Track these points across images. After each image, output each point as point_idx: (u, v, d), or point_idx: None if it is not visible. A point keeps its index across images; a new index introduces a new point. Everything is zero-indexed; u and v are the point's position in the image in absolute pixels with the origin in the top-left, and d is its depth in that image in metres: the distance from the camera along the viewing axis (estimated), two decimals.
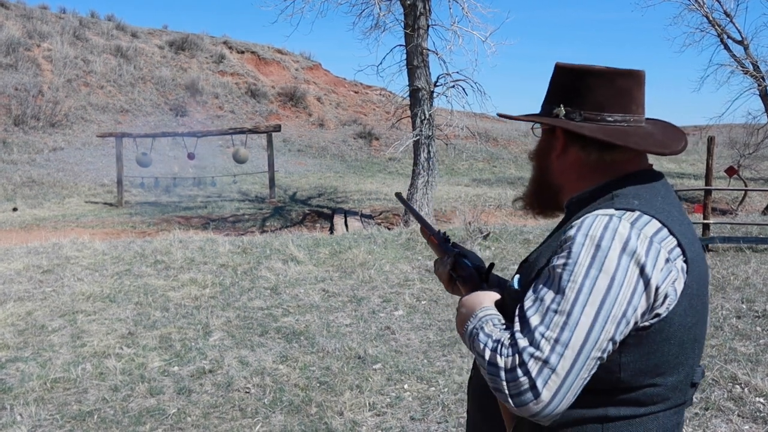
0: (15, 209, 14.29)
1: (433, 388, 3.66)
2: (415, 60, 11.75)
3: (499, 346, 1.02)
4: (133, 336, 4.62)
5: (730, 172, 12.72)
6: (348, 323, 4.92)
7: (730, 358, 3.96)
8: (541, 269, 1.09)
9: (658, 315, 1.03)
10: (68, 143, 20.26)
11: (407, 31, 11.78)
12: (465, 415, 3.29)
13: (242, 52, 31.17)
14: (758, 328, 4.56)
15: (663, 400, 1.08)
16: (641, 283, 1.00)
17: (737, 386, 3.54)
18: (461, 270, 1.36)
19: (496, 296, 1.20)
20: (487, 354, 1.04)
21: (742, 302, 5.19)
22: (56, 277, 6.36)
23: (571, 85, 1.17)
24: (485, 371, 1.04)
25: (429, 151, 12.02)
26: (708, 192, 8.33)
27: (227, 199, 16.94)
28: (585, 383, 1.00)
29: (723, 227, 9.08)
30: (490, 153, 25.19)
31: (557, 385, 0.97)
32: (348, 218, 13.14)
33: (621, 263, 0.99)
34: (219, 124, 23.74)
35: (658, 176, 1.17)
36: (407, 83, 12.09)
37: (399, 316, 5.09)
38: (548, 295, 1.02)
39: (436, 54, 12.01)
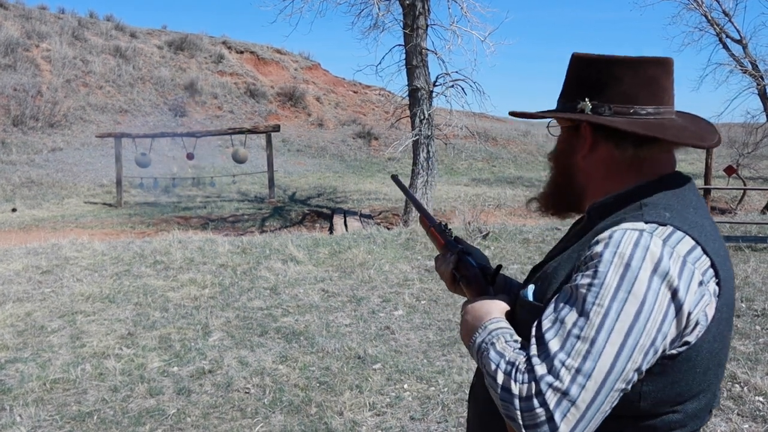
0: (14, 210, 14.28)
1: (433, 388, 3.66)
2: (414, 60, 11.75)
3: (514, 370, 0.95)
4: (132, 336, 4.62)
5: (729, 171, 12.74)
6: (347, 323, 4.92)
7: (729, 357, 3.96)
8: (561, 284, 1.02)
9: (687, 343, 0.95)
10: (67, 144, 20.24)
11: (406, 31, 11.78)
12: (465, 414, 3.29)
13: (241, 52, 31.16)
14: (757, 327, 4.57)
15: (680, 427, 1.01)
16: (672, 308, 0.92)
17: (737, 385, 3.55)
18: (465, 269, 1.27)
19: (506, 306, 1.13)
20: (500, 378, 0.96)
21: (742, 301, 5.20)
22: (55, 277, 6.36)
23: (596, 77, 1.07)
24: (496, 395, 0.96)
25: (428, 151, 12.02)
26: (707, 191, 8.34)
27: (226, 199, 16.93)
28: (606, 415, 0.93)
29: (722, 226, 9.09)
30: (489, 153, 25.19)
31: (576, 419, 0.90)
32: (347, 218, 13.14)
33: (652, 286, 0.91)
34: (218, 124, 23.74)
35: (687, 180, 1.08)
36: (406, 83, 12.09)
37: (399, 315, 5.09)
38: (570, 317, 0.93)
39: (435, 54, 12.01)
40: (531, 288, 1.08)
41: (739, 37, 16.75)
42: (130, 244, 8.03)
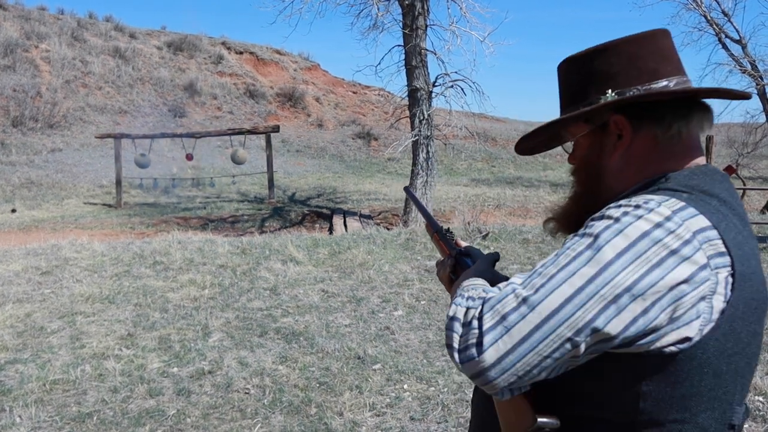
0: (13, 210, 14.27)
1: (433, 388, 3.66)
2: (413, 60, 11.75)
3: (465, 300, 0.89)
4: (132, 337, 4.62)
5: (729, 171, 12.72)
6: (347, 323, 4.92)
7: None
8: None
9: (687, 339, 0.83)
10: (67, 144, 20.24)
11: (405, 32, 11.79)
12: (465, 414, 3.29)
13: (241, 53, 31.17)
14: None
15: None
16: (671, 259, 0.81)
17: None
18: (462, 271, 1.22)
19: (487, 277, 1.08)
20: (452, 309, 0.89)
21: None
22: (55, 278, 6.36)
23: (606, 67, 0.98)
24: (445, 329, 0.90)
25: (428, 151, 12.03)
26: None
27: (226, 199, 16.93)
28: (547, 369, 0.83)
29: None
30: (488, 153, 25.19)
31: (506, 349, 0.81)
32: (347, 218, 13.14)
33: (646, 235, 0.82)
34: (218, 124, 23.74)
35: (723, 176, 0.97)
36: (406, 83, 12.10)
37: (398, 316, 5.09)
38: (541, 261, 0.88)
39: (435, 54, 12.02)
40: None
41: (738, 37, 16.77)
42: (129, 245, 8.03)
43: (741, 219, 0.92)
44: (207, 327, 4.83)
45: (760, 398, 3.37)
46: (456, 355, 0.85)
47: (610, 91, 0.97)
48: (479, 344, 0.82)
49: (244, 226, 13.44)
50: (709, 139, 8.12)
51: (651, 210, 0.84)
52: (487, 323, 0.83)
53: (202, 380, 3.83)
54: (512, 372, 0.82)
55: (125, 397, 3.61)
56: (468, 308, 0.87)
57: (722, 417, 0.90)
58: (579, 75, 1.02)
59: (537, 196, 17.40)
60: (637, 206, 0.85)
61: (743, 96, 0.98)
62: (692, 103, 0.96)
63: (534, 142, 1.13)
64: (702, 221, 0.85)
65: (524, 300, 0.82)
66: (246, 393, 3.64)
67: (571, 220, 1.07)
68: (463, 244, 1.33)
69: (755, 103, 17.16)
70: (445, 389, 3.63)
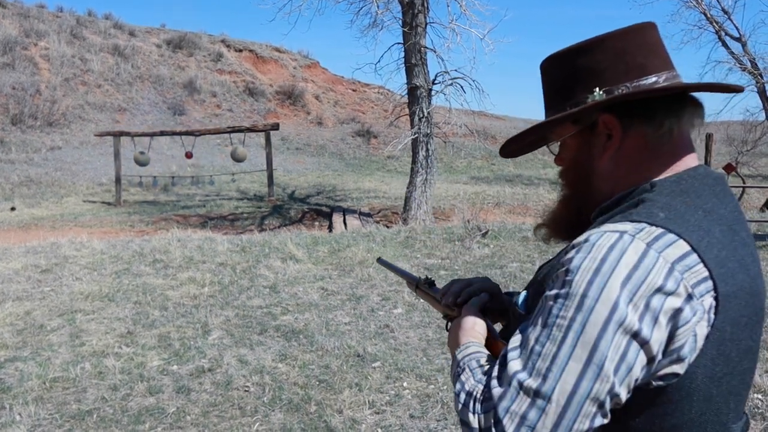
0: (13, 209, 14.26)
1: (432, 386, 3.66)
2: (413, 58, 11.74)
3: (472, 401, 0.85)
4: (132, 335, 4.62)
5: (729, 169, 12.74)
6: (347, 321, 4.92)
7: None
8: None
9: (676, 375, 0.82)
10: (66, 142, 20.22)
11: (405, 29, 11.78)
12: None
13: (240, 51, 31.14)
14: None
15: None
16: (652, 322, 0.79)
17: None
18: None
19: (483, 325, 1.03)
20: (459, 408, 0.87)
21: None
22: (55, 276, 6.36)
23: (592, 63, 0.93)
24: (460, 407, 0.88)
25: (427, 149, 12.02)
26: None
27: (226, 197, 16.93)
28: None
29: None
30: (488, 151, 25.18)
31: None
32: (347, 216, 13.14)
33: (628, 281, 0.78)
34: (217, 122, 23.72)
35: (711, 175, 0.93)
36: (405, 81, 12.09)
37: (398, 314, 5.09)
38: (534, 333, 0.82)
39: (434, 52, 12.01)
40: (523, 295, 0.98)
41: (738, 35, 16.76)
42: (129, 243, 8.03)
43: (729, 228, 0.87)
44: (207, 325, 4.83)
45: (760, 396, 3.38)
46: None
47: (597, 89, 0.92)
48: None
49: (244, 224, 13.44)
50: (709, 136, 8.12)
51: (625, 251, 0.80)
52: (509, 428, 0.79)
53: (201, 378, 3.84)
54: None
55: (125, 394, 3.61)
56: (473, 411, 0.84)
57: None
58: (563, 73, 0.97)
59: (537, 194, 17.41)
60: (611, 247, 0.81)
61: (734, 89, 0.94)
62: (683, 99, 0.92)
63: (520, 145, 1.08)
64: (681, 247, 0.81)
65: (537, 393, 0.79)
66: (246, 391, 3.65)
67: (561, 225, 1.04)
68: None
69: (755, 100, 17.18)
70: (445, 387, 3.63)
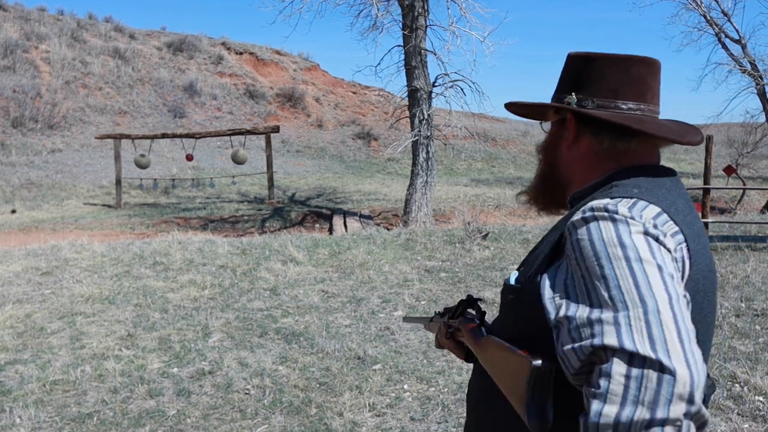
0: (13, 211, 14.28)
1: (433, 389, 3.66)
2: (413, 60, 11.75)
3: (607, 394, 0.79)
4: (132, 338, 4.62)
5: (729, 170, 12.75)
6: (347, 324, 4.92)
7: (729, 357, 3.96)
8: (539, 265, 1.00)
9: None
10: (67, 145, 20.24)
11: (405, 32, 11.79)
12: (465, 415, 3.29)
13: (241, 53, 31.18)
14: (757, 327, 4.57)
15: None
16: (663, 248, 0.90)
17: (737, 385, 3.55)
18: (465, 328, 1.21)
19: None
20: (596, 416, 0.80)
21: (741, 301, 5.20)
22: (55, 279, 6.36)
23: (583, 72, 1.11)
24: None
25: (428, 152, 12.02)
26: (706, 191, 8.34)
27: (226, 200, 16.93)
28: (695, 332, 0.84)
29: (722, 226, 9.10)
30: (488, 153, 25.20)
31: (679, 349, 0.79)
32: (347, 219, 13.14)
33: (633, 239, 0.89)
34: (217, 125, 23.75)
35: (669, 172, 1.09)
36: (405, 84, 12.10)
37: (398, 316, 5.08)
38: (595, 291, 0.87)
39: (435, 54, 12.02)
40: (514, 274, 1.10)
41: (738, 37, 16.78)
42: (129, 246, 8.03)
43: (684, 200, 1.04)
44: (207, 327, 4.82)
45: (761, 398, 3.37)
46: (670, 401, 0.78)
47: (574, 94, 1.11)
48: (662, 370, 0.77)
49: (244, 227, 13.44)
50: (709, 138, 8.11)
51: (615, 212, 0.93)
52: (641, 344, 0.79)
53: (202, 381, 3.83)
54: (697, 359, 0.80)
55: (125, 397, 3.61)
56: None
57: None
58: (567, 71, 1.16)
59: None
60: (604, 209, 0.94)
61: (682, 143, 1.08)
62: (633, 130, 1.06)
63: (524, 110, 1.26)
64: (654, 209, 0.96)
65: (645, 310, 0.82)
66: (246, 393, 3.64)
67: (538, 195, 1.24)
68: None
69: (755, 102, 17.20)
70: (446, 389, 3.63)
